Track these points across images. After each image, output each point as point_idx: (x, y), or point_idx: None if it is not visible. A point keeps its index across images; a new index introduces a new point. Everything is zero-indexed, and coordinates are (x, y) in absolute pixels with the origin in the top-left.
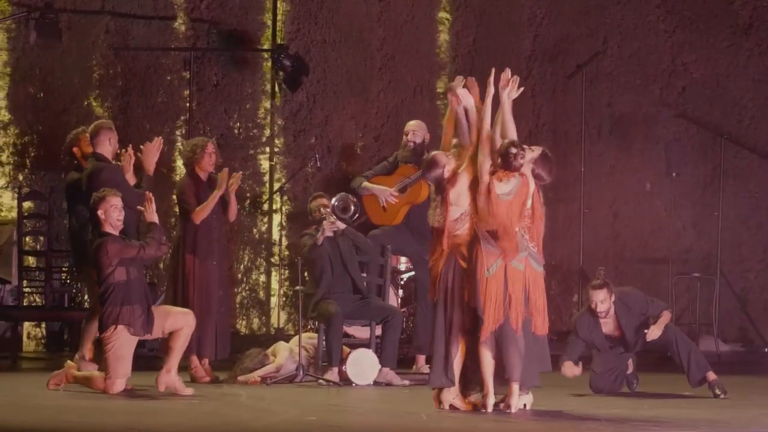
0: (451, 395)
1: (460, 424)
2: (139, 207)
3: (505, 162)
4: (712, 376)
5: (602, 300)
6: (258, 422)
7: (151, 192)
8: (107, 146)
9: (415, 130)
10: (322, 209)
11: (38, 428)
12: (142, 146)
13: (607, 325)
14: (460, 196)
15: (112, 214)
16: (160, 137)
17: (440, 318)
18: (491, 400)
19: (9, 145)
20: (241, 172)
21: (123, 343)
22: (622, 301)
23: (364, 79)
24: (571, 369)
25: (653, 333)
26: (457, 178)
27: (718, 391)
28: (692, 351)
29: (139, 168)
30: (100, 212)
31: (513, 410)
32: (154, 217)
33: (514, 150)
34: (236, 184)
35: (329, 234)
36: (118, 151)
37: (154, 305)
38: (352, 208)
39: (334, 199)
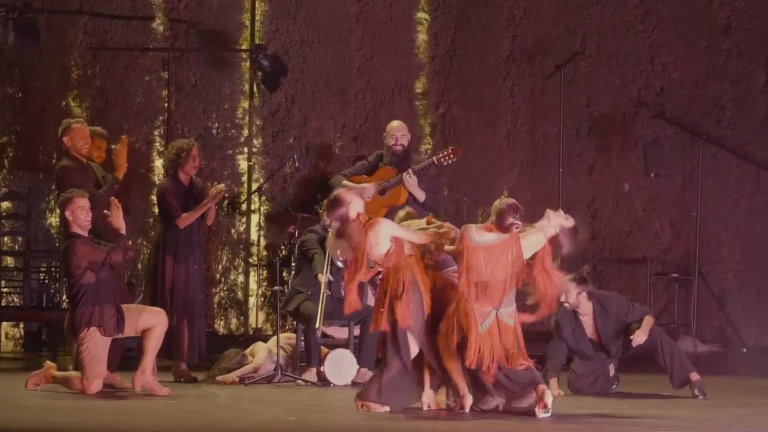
0: (428, 397)
1: (438, 424)
2: (105, 211)
3: (499, 222)
4: (695, 376)
5: (567, 291)
6: (239, 422)
7: (116, 192)
8: (77, 144)
9: (404, 133)
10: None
11: (20, 428)
12: (113, 146)
13: (587, 326)
14: (379, 245)
15: (80, 215)
16: (125, 136)
17: (400, 335)
18: (468, 401)
19: None
20: (224, 185)
21: (97, 343)
22: (600, 303)
23: (342, 79)
24: (554, 389)
25: (639, 338)
26: (377, 224)
27: (697, 392)
28: (675, 352)
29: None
30: (67, 213)
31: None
32: (120, 223)
33: (510, 218)
34: (220, 196)
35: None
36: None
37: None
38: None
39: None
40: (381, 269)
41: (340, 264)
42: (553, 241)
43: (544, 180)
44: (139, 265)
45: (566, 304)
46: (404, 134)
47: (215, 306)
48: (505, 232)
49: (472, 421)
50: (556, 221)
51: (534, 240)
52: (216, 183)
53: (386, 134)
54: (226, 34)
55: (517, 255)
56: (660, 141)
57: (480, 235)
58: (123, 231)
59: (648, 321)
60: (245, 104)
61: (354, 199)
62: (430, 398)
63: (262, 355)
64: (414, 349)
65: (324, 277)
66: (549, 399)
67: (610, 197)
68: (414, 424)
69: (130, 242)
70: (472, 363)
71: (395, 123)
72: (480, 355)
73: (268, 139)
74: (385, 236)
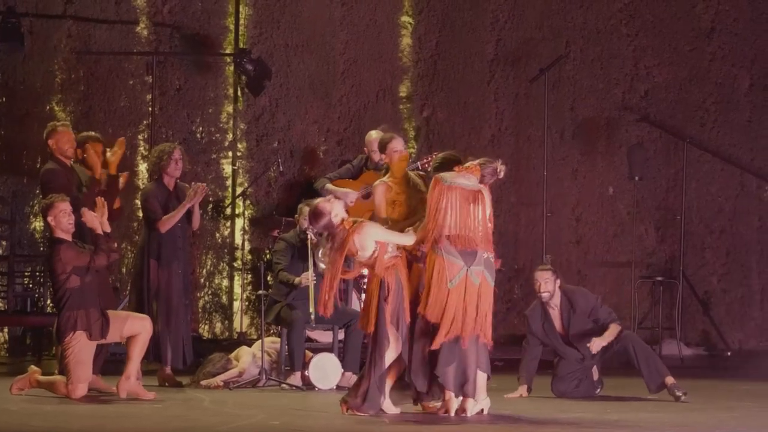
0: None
1: (421, 428)
2: (82, 210)
3: (485, 180)
4: (670, 380)
5: (546, 280)
6: (224, 427)
7: (102, 194)
8: (62, 147)
9: None
10: (310, 233)
11: None
12: (108, 149)
13: (556, 320)
14: (365, 249)
15: (62, 219)
16: (122, 138)
17: (371, 344)
18: (454, 405)
19: None
20: (204, 184)
21: (82, 347)
22: (567, 297)
23: (326, 83)
24: (520, 392)
25: (595, 345)
26: (363, 228)
27: (678, 393)
28: (650, 357)
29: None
30: (50, 219)
31: (469, 414)
32: (104, 225)
33: (493, 170)
34: (201, 195)
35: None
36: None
37: (117, 309)
38: None
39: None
40: (365, 272)
41: (322, 266)
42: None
43: (528, 183)
44: (124, 269)
45: (545, 294)
46: None
47: (200, 310)
48: (485, 183)
49: (456, 426)
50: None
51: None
52: (194, 183)
53: (368, 147)
54: (210, 39)
55: (485, 213)
56: (644, 144)
57: (452, 177)
58: (102, 231)
59: (613, 329)
60: (229, 108)
61: (335, 206)
62: (388, 406)
63: (246, 359)
64: (395, 352)
65: (310, 274)
66: (452, 408)
67: (594, 201)
68: (398, 428)
69: (115, 244)
70: (432, 317)
71: (374, 134)
72: (444, 311)
73: (252, 143)
74: (371, 240)
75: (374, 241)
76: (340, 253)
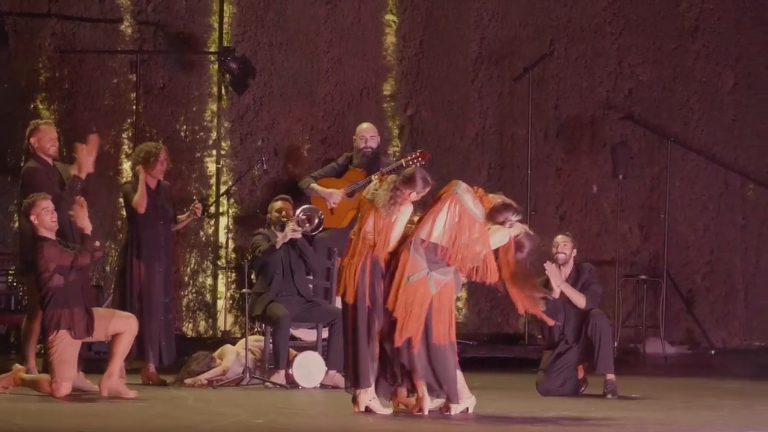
0: (368, 397)
1: (406, 427)
2: (69, 212)
3: (493, 217)
4: (611, 377)
5: (565, 243)
6: (208, 425)
7: (85, 193)
8: (44, 146)
9: (372, 135)
10: (283, 212)
11: None
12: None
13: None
14: (397, 222)
15: (45, 217)
16: (96, 135)
17: (360, 320)
18: (427, 404)
19: None
20: (200, 204)
21: (66, 346)
22: (576, 269)
23: (310, 81)
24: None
25: (551, 268)
26: (407, 209)
27: (610, 392)
28: (607, 346)
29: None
30: (32, 217)
31: (453, 413)
32: (85, 223)
33: (509, 215)
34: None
35: (291, 237)
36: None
37: (101, 307)
38: (316, 221)
39: (300, 210)
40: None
41: (295, 234)
42: (516, 242)
43: (512, 182)
44: (107, 268)
45: (561, 255)
46: (373, 135)
47: (183, 309)
48: (491, 220)
49: (442, 425)
50: (520, 226)
51: (499, 236)
52: (197, 203)
53: (356, 136)
54: (194, 37)
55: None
56: (628, 143)
57: (464, 192)
58: (88, 231)
59: (578, 296)
60: (213, 107)
61: (422, 191)
62: (377, 406)
63: (230, 357)
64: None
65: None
66: (426, 407)
67: (578, 199)
68: (383, 427)
69: (98, 243)
70: (391, 308)
71: (365, 125)
72: (396, 305)
73: (236, 141)
74: (405, 217)
75: (401, 222)
76: (393, 208)
